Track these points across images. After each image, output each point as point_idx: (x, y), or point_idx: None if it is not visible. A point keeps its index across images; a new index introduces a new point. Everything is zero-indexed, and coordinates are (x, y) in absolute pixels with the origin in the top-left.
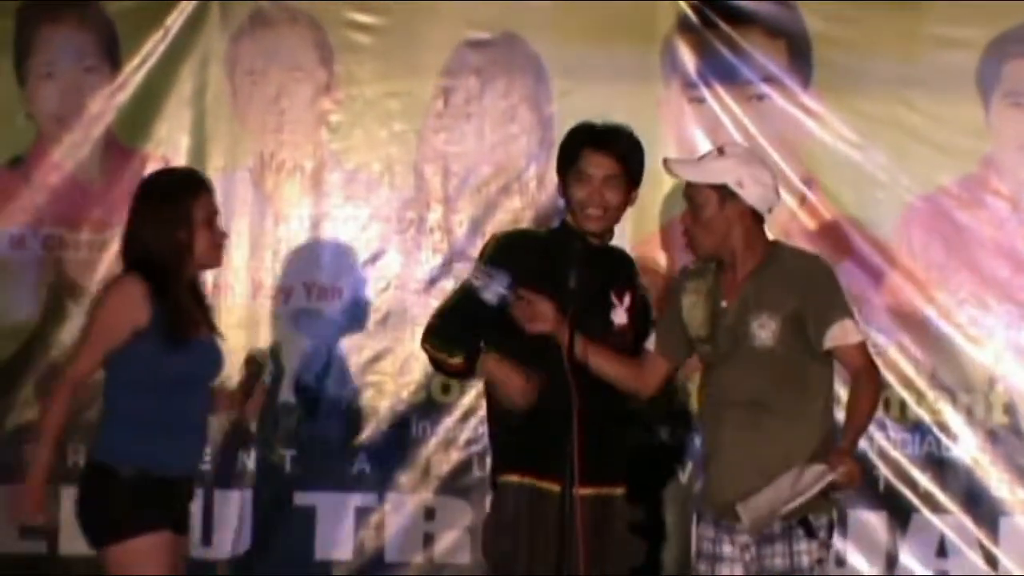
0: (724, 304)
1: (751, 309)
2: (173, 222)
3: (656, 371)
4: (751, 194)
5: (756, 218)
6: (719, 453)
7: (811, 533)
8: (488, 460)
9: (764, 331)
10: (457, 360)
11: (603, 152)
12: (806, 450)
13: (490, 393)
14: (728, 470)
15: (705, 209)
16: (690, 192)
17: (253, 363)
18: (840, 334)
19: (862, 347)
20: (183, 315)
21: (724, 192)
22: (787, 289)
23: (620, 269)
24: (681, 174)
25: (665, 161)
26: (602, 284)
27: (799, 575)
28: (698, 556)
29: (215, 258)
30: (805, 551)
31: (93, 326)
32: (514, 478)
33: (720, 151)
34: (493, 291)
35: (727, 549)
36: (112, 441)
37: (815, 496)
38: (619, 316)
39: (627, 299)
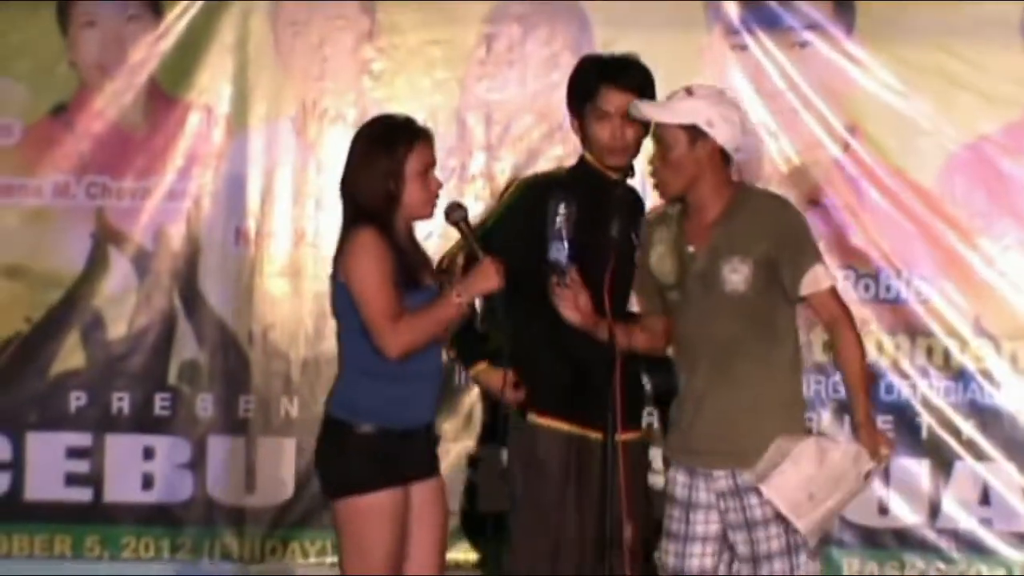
0: (691, 249)
1: (722, 253)
2: (383, 172)
3: (662, 325)
4: (721, 133)
5: (725, 159)
6: (692, 399)
7: None
8: None
9: (736, 275)
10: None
11: (622, 88)
12: (777, 395)
13: (527, 337)
14: (702, 416)
15: (674, 149)
16: (659, 132)
17: (456, 208)
18: (813, 280)
19: (834, 292)
20: (409, 260)
21: (694, 132)
22: (759, 233)
23: (636, 208)
24: (649, 115)
25: (633, 104)
26: (625, 225)
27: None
28: (671, 501)
29: (427, 210)
30: None
31: (364, 275)
32: (561, 426)
33: (688, 91)
34: (557, 251)
35: (703, 496)
36: (349, 396)
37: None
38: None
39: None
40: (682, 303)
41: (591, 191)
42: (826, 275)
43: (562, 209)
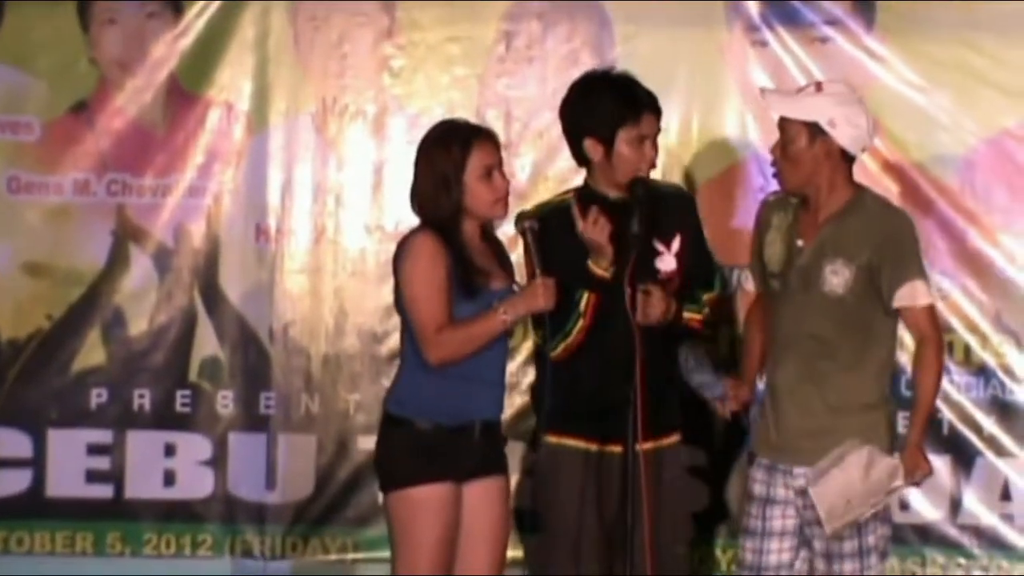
0: (800, 243)
1: (827, 253)
2: (443, 177)
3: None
4: (842, 134)
5: (845, 159)
6: (775, 395)
7: None
8: None
9: (837, 278)
10: (586, 297)
11: (657, 111)
12: (861, 399)
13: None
14: (784, 413)
15: (794, 144)
16: (783, 125)
17: (527, 219)
18: (909, 294)
19: (929, 311)
20: (469, 267)
21: (815, 129)
22: (865, 239)
23: (666, 213)
24: (774, 107)
25: (762, 91)
26: (646, 233)
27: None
28: (749, 498)
29: (497, 210)
30: None
31: (413, 282)
32: (576, 443)
33: (818, 87)
34: (712, 389)
35: (780, 492)
36: (407, 393)
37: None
38: (665, 263)
39: (676, 243)
40: (781, 295)
41: (607, 214)
42: (925, 292)
43: (692, 363)
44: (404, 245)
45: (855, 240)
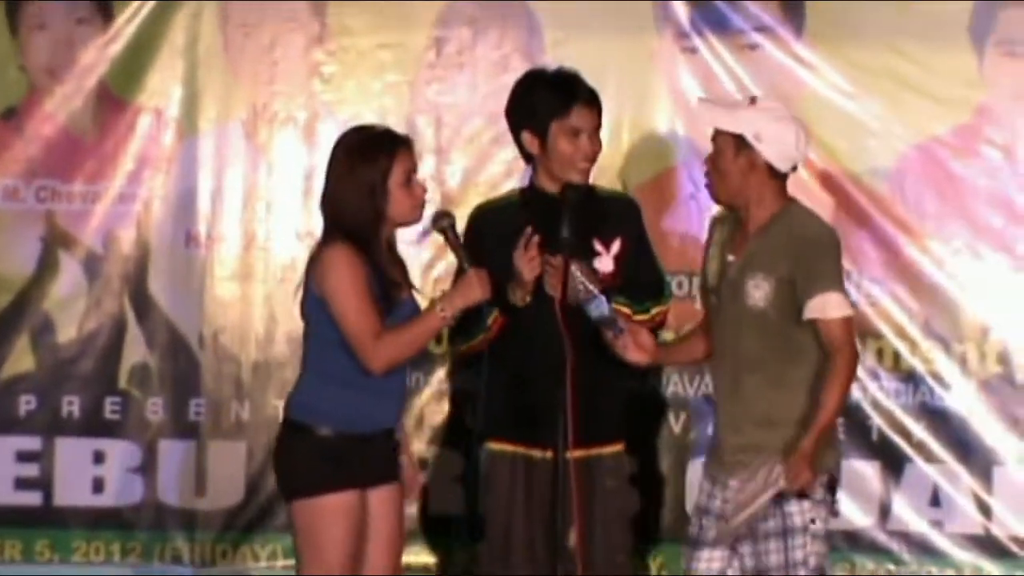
0: (731, 258)
1: (750, 267)
2: (369, 187)
3: (701, 337)
4: (767, 150)
5: (773, 174)
6: (716, 409)
7: (802, 494)
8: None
9: (758, 291)
10: (495, 316)
11: (589, 104)
12: (790, 415)
13: (480, 354)
14: (719, 427)
15: (722, 156)
16: (714, 137)
17: (443, 216)
18: (820, 306)
19: (842, 323)
20: (384, 279)
21: (741, 142)
22: (784, 251)
23: (609, 216)
24: (705, 117)
25: (699, 100)
26: (585, 233)
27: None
28: (695, 507)
29: (415, 216)
30: (796, 511)
31: (343, 295)
32: (506, 447)
33: (752, 101)
34: (597, 307)
35: (716, 503)
36: (310, 400)
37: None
38: (604, 264)
39: (615, 246)
40: (715, 310)
41: (546, 210)
42: (838, 304)
43: (577, 272)
44: (322, 257)
45: (774, 253)
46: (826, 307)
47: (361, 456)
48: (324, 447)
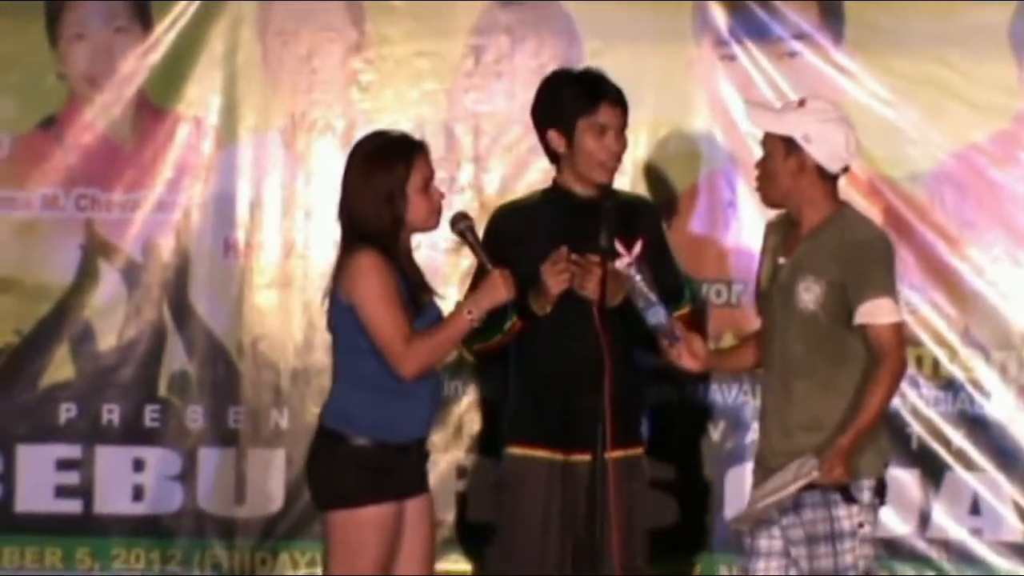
0: (782, 261)
1: (800, 270)
2: (387, 193)
3: (752, 345)
4: (817, 151)
5: (824, 176)
6: (764, 415)
7: (850, 498)
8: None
9: (808, 294)
10: (512, 322)
11: (615, 103)
12: (836, 418)
13: (508, 359)
14: (768, 433)
15: (771, 159)
16: (765, 140)
17: (461, 219)
18: (871, 311)
19: (892, 329)
20: (411, 282)
21: (790, 145)
22: (836, 255)
23: (629, 218)
24: (754, 120)
25: (746, 103)
26: (615, 235)
27: (840, 540)
28: (748, 527)
29: (432, 222)
30: (844, 516)
31: (372, 301)
32: (541, 453)
33: (801, 103)
34: (655, 316)
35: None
36: (344, 408)
37: (798, 489)
38: (626, 265)
39: (637, 247)
40: (767, 314)
41: (571, 211)
42: (889, 310)
43: (637, 276)
44: (348, 264)
45: (827, 256)
46: (877, 312)
47: (398, 467)
48: (361, 457)
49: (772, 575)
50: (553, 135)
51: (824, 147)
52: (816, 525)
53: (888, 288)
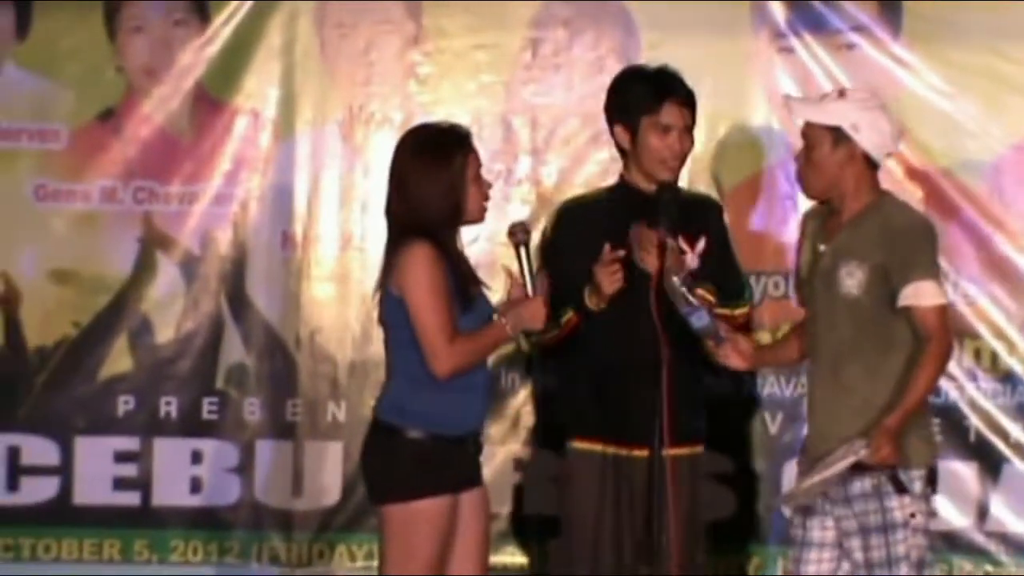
0: (822, 248)
1: (843, 256)
2: (448, 184)
3: (796, 338)
4: (865, 139)
5: (868, 164)
6: (811, 403)
7: (901, 488)
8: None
9: (851, 279)
10: (569, 316)
11: (681, 101)
12: (884, 402)
13: (567, 352)
14: (816, 421)
15: (817, 150)
16: (806, 131)
17: (522, 231)
18: (914, 293)
19: (937, 311)
20: (463, 275)
21: (838, 134)
22: (879, 239)
23: (693, 216)
24: (798, 112)
25: (786, 97)
26: (676, 226)
27: (892, 531)
28: (796, 510)
29: (482, 215)
30: (896, 507)
31: (420, 292)
32: (597, 447)
33: (841, 93)
34: (699, 319)
35: (818, 502)
36: (399, 402)
37: (846, 467)
38: (690, 262)
39: (700, 244)
40: (809, 301)
41: (635, 206)
42: (933, 292)
43: (676, 281)
44: (401, 256)
45: (870, 241)
46: (920, 295)
47: (453, 460)
48: (417, 450)
49: (825, 570)
50: (619, 131)
51: (872, 136)
52: (868, 516)
53: (932, 271)
